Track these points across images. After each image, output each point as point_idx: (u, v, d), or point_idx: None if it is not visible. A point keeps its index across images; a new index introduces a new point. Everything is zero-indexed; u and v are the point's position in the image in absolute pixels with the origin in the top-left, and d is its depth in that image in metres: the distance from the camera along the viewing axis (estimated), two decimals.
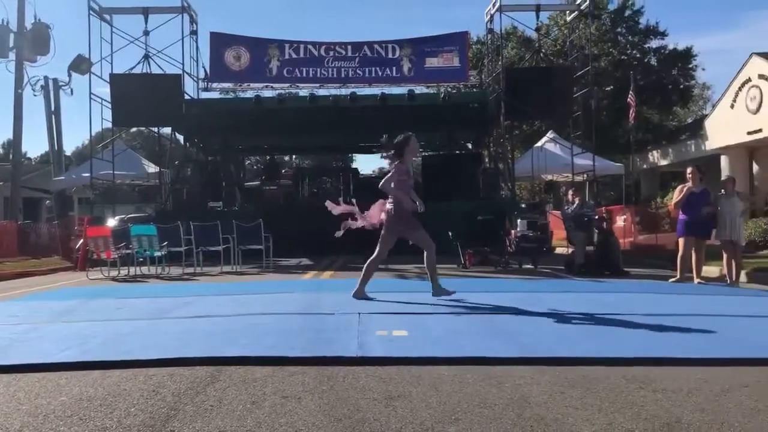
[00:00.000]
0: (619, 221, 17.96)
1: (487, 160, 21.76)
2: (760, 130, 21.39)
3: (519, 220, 14.50)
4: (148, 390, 3.77)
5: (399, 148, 7.55)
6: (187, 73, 19.48)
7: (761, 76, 21.43)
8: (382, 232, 7.71)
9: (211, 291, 9.46)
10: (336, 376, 4.03)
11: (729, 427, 3.05)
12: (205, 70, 20.64)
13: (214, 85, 21.29)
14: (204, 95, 21.02)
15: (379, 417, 3.23)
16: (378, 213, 7.93)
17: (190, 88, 20.12)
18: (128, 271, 12.85)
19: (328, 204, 8.62)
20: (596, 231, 12.40)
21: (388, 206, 7.65)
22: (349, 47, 20.69)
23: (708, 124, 25.46)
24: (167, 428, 3.11)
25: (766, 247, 14.96)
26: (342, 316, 6.20)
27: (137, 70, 19.05)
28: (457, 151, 23.74)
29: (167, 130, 22.22)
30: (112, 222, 16.70)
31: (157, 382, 3.93)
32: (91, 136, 21.05)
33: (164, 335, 5.45)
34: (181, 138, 21.45)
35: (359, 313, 6.25)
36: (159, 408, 3.42)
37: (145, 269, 13.18)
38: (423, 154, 25.97)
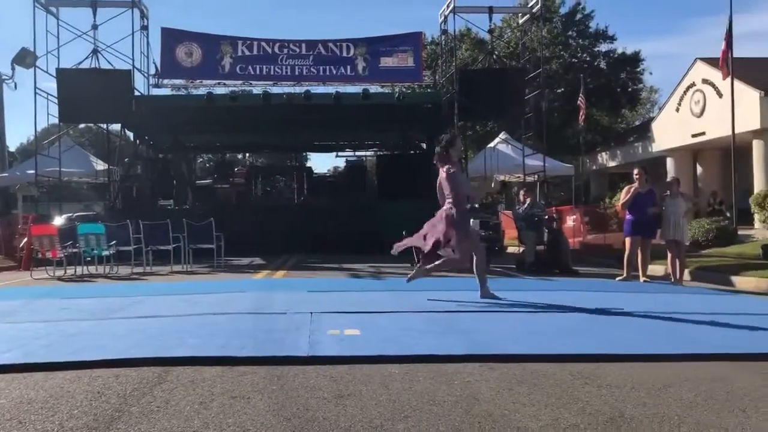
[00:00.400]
0: (569, 221, 18.30)
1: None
2: (703, 133, 22.11)
3: (471, 220, 14.63)
4: (93, 392, 3.68)
5: (446, 148, 7.38)
6: (138, 69, 19.10)
7: (705, 81, 22.14)
8: (457, 237, 7.28)
9: (160, 291, 9.29)
10: (286, 375, 4.01)
11: (668, 421, 3.14)
12: (156, 66, 20.26)
13: (166, 81, 20.92)
14: (155, 92, 20.68)
15: (329, 416, 3.22)
16: (438, 225, 7.50)
17: (140, 85, 19.76)
18: (75, 271, 12.53)
19: (396, 248, 8.18)
20: (546, 230, 12.61)
21: (450, 212, 7.29)
22: (304, 45, 20.58)
23: (654, 126, 26.19)
24: (111, 430, 3.05)
25: (709, 246, 15.44)
26: (294, 316, 6.17)
27: (85, 65, 18.58)
28: (412, 151, 23.85)
29: (117, 126, 21.75)
30: (58, 220, 16.26)
31: (102, 384, 3.85)
32: (36, 132, 20.39)
33: (111, 336, 5.33)
34: (131, 135, 21.01)
35: (311, 313, 6.23)
36: (103, 410, 3.34)
37: (92, 269, 12.87)
38: (377, 153, 26.09)
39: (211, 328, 5.55)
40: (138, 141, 20.98)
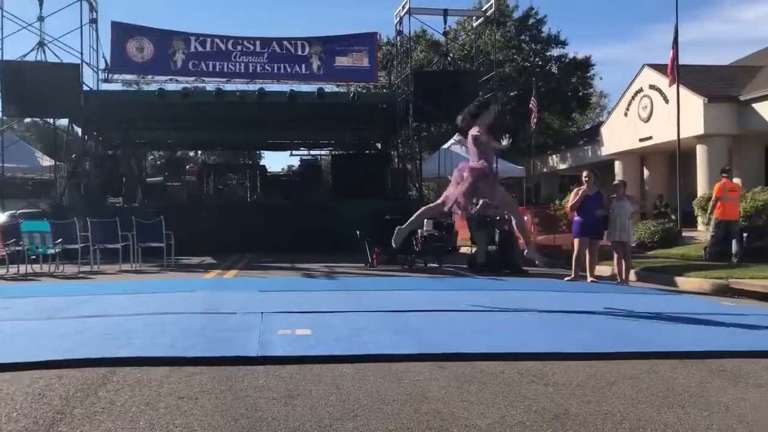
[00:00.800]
0: None
1: (395, 160, 22.00)
2: (650, 138, 22.68)
3: (425, 220, 14.74)
4: (34, 394, 3.58)
5: (476, 111, 6.79)
6: (87, 63, 18.67)
7: (652, 87, 22.72)
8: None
9: (107, 290, 9.10)
10: (235, 376, 3.97)
11: (611, 417, 3.22)
12: (106, 61, 19.82)
13: (116, 76, 20.50)
14: (105, 86, 20.21)
15: (278, 416, 3.21)
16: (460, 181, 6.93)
17: (89, 79, 19.29)
18: (18, 270, 12.16)
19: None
20: (498, 231, 12.78)
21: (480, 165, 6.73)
22: (258, 42, 20.42)
23: (603, 130, 26.76)
24: None
25: (654, 247, 15.87)
26: (244, 316, 6.11)
27: (31, 58, 18.05)
28: (366, 151, 23.88)
29: (65, 121, 21.21)
30: (0, 217, 15.76)
31: (44, 385, 3.74)
32: None
33: (55, 336, 5.19)
34: (79, 130, 20.50)
35: (262, 313, 6.17)
36: (44, 412, 3.25)
37: (37, 267, 12.51)
38: (332, 152, 26.04)
39: (159, 328, 5.46)
40: (86, 136, 20.48)
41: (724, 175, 14.04)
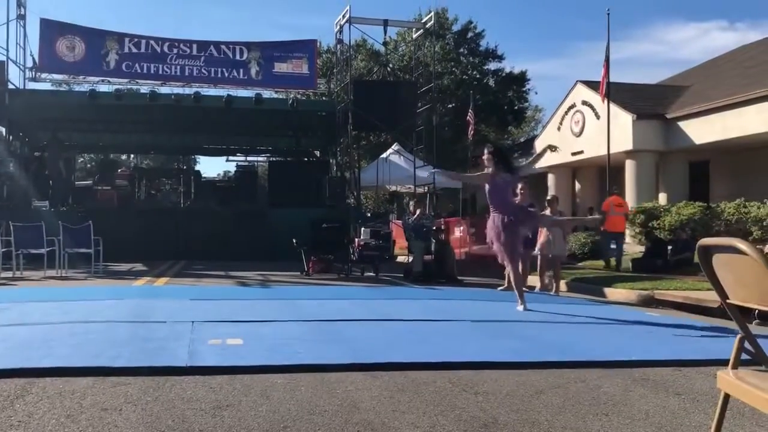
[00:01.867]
0: (456, 232, 18.79)
1: (334, 168, 21.96)
2: (582, 152, 23.37)
3: (362, 229, 14.76)
4: None
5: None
6: (12, 61, 17.93)
7: (585, 103, 23.44)
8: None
9: (30, 297, 8.74)
10: (163, 386, 3.87)
11: (538, 426, 3.29)
12: (34, 59, 19.09)
13: (45, 75, 19.75)
14: (32, 85, 19.44)
15: (206, 427, 3.14)
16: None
17: (15, 77, 18.55)
18: None
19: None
20: (434, 241, 12.91)
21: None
22: (195, 46, 20.04)
23: (538, 144, 27.41)
24: None
25: (585, 259, 16.31)
26: (174, 325, 5.97)
27: None
28: (305, 158, 23.74)
29: None
30: None
31: None
32: None
33: None
34: (3, 130, 19.66)
35: (193, 322, 6.05)
36: None
37: None
38: (269, 159, 25.79)
39: (83, 337, 5.28)
40: (11, 137, 19.67)
41: (615, 192, 16.08)
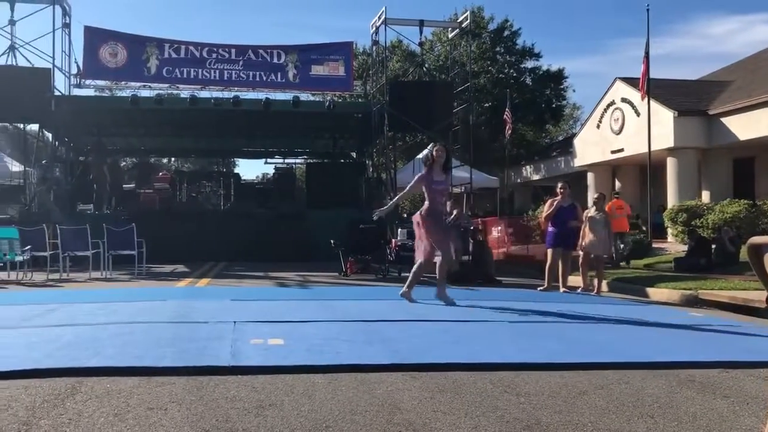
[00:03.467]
0: (494, 232, 18.69)
1: (370, 169, 22.02)
2: (622, 150, 23.03)
3: (399, 230, 14.78)
4: None
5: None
6: (58, 68, 18.41)
7: (624, 100, 23.09)
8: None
9: (77, 298, 8.93)
10: (206, 386, 3.93)
11: (582, 428, 3.25)
12: (78, 66, 19.57)
13: (89, 82, 20.23)
14: (77, 92, 19.93)
15: (249, 427, 3.18)
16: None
17: (61, 84, 19.03)
18: None
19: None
20: (471, 241, 12.84)
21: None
22: (233, 50, 20.31)
23: (576, 142, 27.09)
24: None
25: (626, 258, 16.05)
26: (216, 325, 6.05)
27: (1, 62, 17.78)
28: (341, 160, 23.85)
29: (35, 126, 20.87)
30: None
31: (9, 396, 3.66)
32: None
33: (21, 345, 5.09)
34: (49, 136, 20.19)
35: (234, 322, 6.12)
36: (9, 423, 3.18)
37: (4, 275, 12.27)
38: (307, 161, 25.99)
39: (128, 338, 5.38)
40: (57, 142, 20.20)
41: (616, 196, 16.71)
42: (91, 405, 3.51)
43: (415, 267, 8.13)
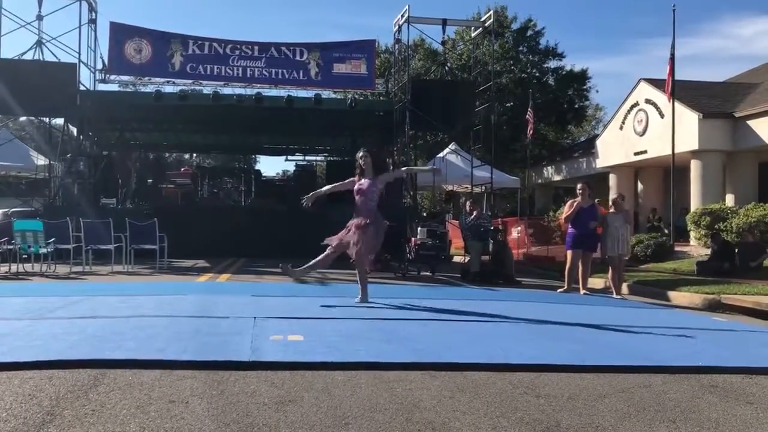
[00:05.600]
0: (514, 233, 18.62)
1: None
2: (645, 152, 22.79)
3: (419, 228, 14.78)
4: (24, 394, 3.56)
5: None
6: (84, 63, 18.62)
7: (648, 101, 22.84)
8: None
9: (99, 291, 9.06)
10: (227, 380, 3.96)
11: (602, 431, 3.22)
12: (104, 62, 19.78)
13: (113, 77, 20.45)
14: (101, 87, 20.14)
15: (269, 422, 3.20)
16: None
17: (86, 79, 19.26)
18: (9, 268, 12.09)
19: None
20: (492, 241, 12.81)
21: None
22: (256, 48, 20.40)
23: (599, 143, 26.85)
24: None
25: (647, 261, 15.93)
26: (236, 320, 6.09)
27: (28, 57, 18.02)
28: None
29: (60, 121, 21.13)
30: None
31: (33, 386, 3.72)
32: None
33: (45, 336, 5.16)
34: (74, 130, 20.44)
35: (255, 317, 6.16)
36: (34, 413, 3.23)
37: (29, 266, 12.45)
38: (328, 158, 26.05)
39: (150, 331, 5.44)
40: (81, 136, 20.45)
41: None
42: (114, 397, 3.55)
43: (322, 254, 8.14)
